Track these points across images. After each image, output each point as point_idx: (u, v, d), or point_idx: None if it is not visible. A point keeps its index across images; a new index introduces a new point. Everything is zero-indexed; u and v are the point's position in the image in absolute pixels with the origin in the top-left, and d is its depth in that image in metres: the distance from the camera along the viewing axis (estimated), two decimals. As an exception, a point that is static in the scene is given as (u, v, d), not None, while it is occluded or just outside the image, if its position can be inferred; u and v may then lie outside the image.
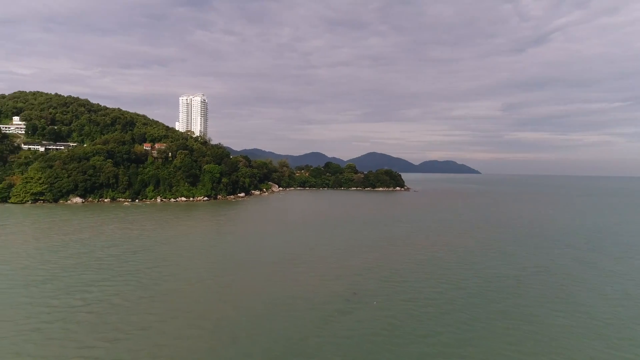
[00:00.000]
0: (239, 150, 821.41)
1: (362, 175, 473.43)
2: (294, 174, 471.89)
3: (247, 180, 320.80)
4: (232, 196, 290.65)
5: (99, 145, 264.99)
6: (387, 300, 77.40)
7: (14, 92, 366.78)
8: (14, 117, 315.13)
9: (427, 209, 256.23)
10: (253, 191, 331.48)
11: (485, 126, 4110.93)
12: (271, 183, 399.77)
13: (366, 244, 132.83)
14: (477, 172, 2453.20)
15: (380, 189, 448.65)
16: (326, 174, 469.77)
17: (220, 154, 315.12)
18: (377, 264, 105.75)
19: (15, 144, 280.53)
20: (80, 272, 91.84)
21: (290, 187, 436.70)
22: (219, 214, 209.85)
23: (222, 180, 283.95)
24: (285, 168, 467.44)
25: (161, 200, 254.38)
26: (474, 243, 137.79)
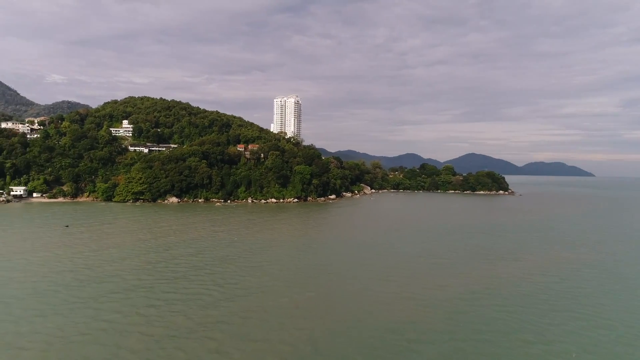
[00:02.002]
0: (333, 151, 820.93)
1: (461, 178, 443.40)
2: (388, 175, 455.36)
3: (338, 181, 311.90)
4: (322, 198, 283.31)
5: (195, 147, 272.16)
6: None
7: (125, 98, 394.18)
8: (123, 121, 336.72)
9: (538, 215, 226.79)
10: (344, 193, 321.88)
11: (600, 124, 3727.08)
12: (363, 185, 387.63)
13: (468, 257, 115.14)
14: (590, 174, 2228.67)
15: (481, 192, 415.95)
16: (422, 176, 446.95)
17: (311, 154, 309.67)
18: (485, 285, 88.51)
19: (123, 146, 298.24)
20: (155, 278, 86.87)
21: (384, 189, 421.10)
22: (309, 217, 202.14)
23: (313, 181, 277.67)
24: (378, 169, 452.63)
25: (252, 201, 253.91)
26: (610, 261, 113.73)
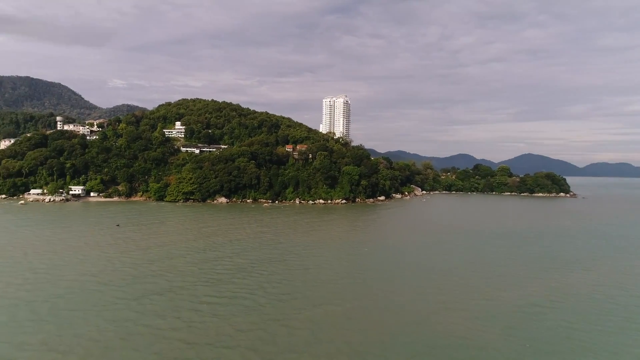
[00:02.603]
0: (382, 152, 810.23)
1: (518, 179, 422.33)
2: (439, 176, 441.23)
3: (388, 182, 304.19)
4: (371, 199, 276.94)
5: (244, 147, 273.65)
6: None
7: (179, 100, 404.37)
8: (176, 123, 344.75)
9: (606, 220, 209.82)
10: (394, 194, 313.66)
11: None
12: (414, 186, 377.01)
13: (528, 265, 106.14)
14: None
15: (540, 194, 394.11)
16: (475, 177, 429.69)
17: (360, 155, 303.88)
18: (548, 297, 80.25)
19: (176, 147, 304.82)
20: (200, 280, 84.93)
21: (435, 190, 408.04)
22: (357, 218, 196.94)
23: (361, 182, 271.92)
24: (429, 170, 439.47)
25: (300, 202, 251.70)
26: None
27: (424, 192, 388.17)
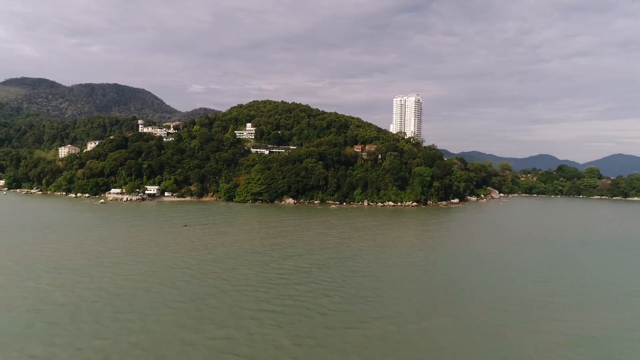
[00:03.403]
0: (455, 153, 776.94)
1: (609, 181, 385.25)
2: (518, 178, 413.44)
3: (462, 184, 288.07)
4: (444, 202, 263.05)
5: (312, 148, 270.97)
6: None
7: (250, 102, 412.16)
8: (247, 124, 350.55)
9: None
10: (469, 197, 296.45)
11: None
12: (490, 188, 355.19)
13: (631, 283, 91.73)
14: None
15: (635, 198, 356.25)
16: (559, 179, 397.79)
17: (433, 155, 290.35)
18: None
19: (246, 148, 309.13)
20: (262, 284, 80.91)
21: (514, 193, 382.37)
22: (429, 222, 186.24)
23: (433, 184, 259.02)
24: (507, 171, 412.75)
25: (368, 204, 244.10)
26: None
27: (502, 194, 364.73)
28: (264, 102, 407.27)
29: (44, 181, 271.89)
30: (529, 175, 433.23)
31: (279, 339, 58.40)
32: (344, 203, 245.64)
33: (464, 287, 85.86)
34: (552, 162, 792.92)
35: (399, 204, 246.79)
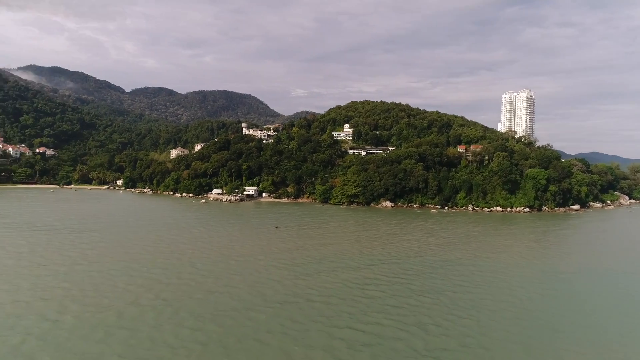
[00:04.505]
0: (572, 154, 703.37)
1: None
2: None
3: (584, 189, 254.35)
4: (561, 208, 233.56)
5: (411, 148, 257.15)
6: None
7: (348, 103, 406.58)
8: (345, 125, 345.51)
9: None
10: (591, 203, 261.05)
11: None
12: (618, 193, 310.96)
13: None
14: None
15: None
16: None
17: (548, 156, 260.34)
18: None
19: (343, 149, 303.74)
20: (345, 303, 72.40)
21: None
22: (546, 232, 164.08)
23: (549, 188, 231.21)
24: (639, 174, 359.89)
25: (473, 209, 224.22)
26: None
27: (633, 200, 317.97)
28: (362, 102, 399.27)
29: (154, 181, 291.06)
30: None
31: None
32: (446, 207, 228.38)
33: (593, 315, 69.65)
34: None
35: (509, 209, 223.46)
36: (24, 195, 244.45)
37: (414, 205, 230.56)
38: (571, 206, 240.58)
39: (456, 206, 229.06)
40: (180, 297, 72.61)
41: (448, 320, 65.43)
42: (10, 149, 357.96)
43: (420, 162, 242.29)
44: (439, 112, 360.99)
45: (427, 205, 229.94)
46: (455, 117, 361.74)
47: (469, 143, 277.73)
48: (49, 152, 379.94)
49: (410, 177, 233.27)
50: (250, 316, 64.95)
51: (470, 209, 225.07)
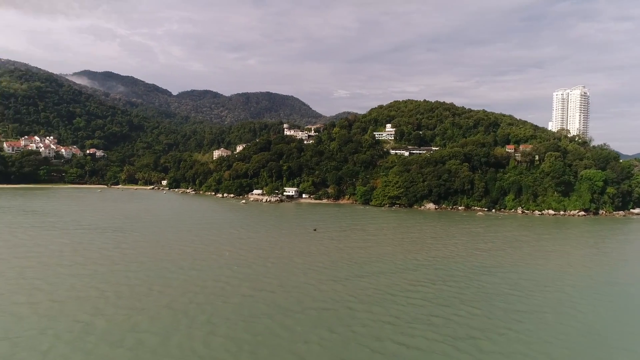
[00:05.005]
0: (630, 154, 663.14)
1: None
2: None
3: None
4: (621, 212, 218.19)
5: (456, 148, 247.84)
6: None
7: (390, 102, 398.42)
8: (387, 125, 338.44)
9: None
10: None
11: None
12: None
13: None
14: None
15: None
16: None
17: (605, 156, 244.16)
18: None
19: (385, 150, 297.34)
20: (378, 319, 67.63)
21: None
22: (605, 238, 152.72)
23: (607, 190, 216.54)
24: None
25: (522, 212, 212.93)
26: None
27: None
28: (405, 102, 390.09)
29: (197, 181, 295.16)
30: None
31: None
32: (493, 210, 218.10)
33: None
34: None
35: (562, 212, 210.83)
36: (74, 195, 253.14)
37: (459, 208, 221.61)
38: (632, 209, 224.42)
39: (504, 209, 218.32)
40: (215, 302, 70.15)
41: (502, 335, 59.56)
42: (63, 150, 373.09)
43: (465, 162, 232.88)
44: (486, 111, 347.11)
45: (473, 207, 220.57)
46: (503, 115, 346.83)
47: (517, 143, 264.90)
48: (99, 153, 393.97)
49: (455, 178, 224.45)
50: (286, 325, 61.41)
51: (520, 212, 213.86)
